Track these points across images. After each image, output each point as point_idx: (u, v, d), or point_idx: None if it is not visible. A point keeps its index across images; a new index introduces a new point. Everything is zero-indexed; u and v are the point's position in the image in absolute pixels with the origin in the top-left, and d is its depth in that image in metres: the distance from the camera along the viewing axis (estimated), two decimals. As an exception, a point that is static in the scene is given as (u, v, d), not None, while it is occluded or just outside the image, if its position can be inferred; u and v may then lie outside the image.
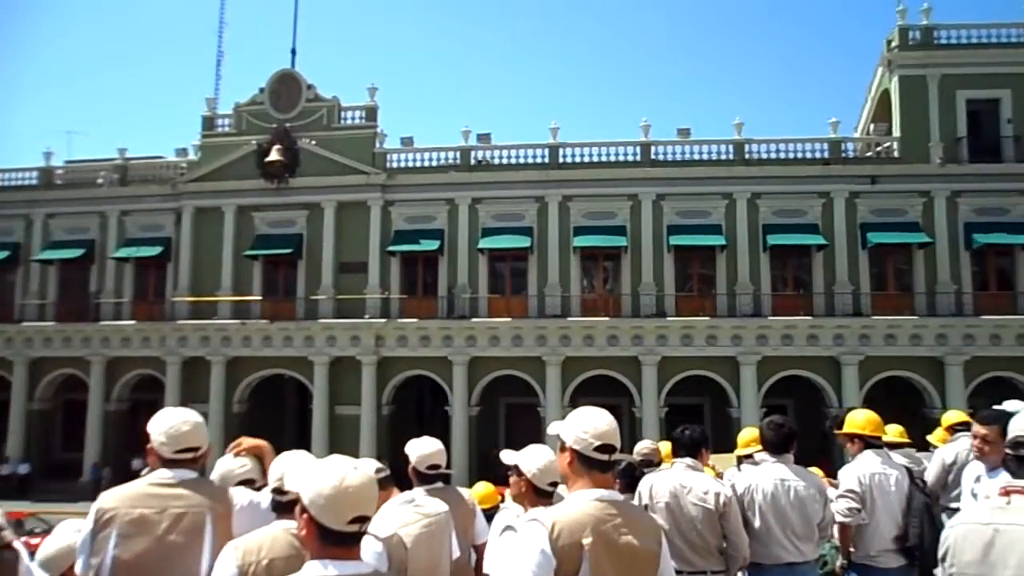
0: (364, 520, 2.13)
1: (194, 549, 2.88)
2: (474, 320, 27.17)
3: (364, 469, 2.17)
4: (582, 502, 2.52)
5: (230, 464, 3.56)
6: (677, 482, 4.49)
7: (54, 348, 29.48)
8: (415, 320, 27.47)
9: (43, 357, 29.62)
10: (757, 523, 4.55)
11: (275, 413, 30.80)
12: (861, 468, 4.90)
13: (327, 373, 27.77)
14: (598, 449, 2.58)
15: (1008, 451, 2.47)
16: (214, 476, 3.52)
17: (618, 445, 2.65)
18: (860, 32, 76.76)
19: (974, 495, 4.73)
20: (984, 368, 25.08)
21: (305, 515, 2.11)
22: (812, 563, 4.64)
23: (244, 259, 28.69)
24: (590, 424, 2.62)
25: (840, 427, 5.29)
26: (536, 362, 26.90)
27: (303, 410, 29.43)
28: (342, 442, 27.10)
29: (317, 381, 27.82)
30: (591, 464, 2.59)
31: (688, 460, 4.65)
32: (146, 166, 31.13)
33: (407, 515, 3.40)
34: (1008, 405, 6.78)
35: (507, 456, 3.46)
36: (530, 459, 3.36)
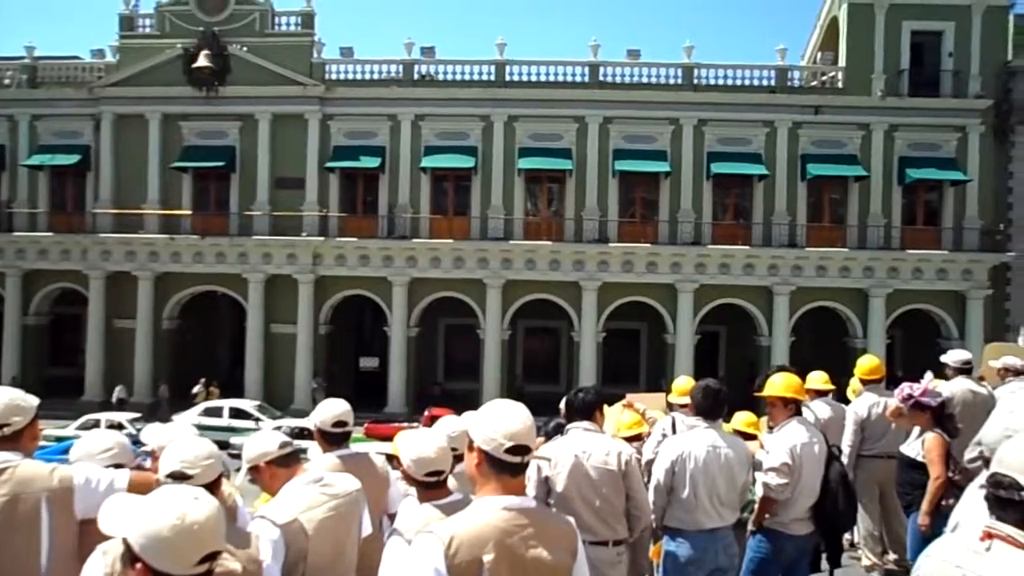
0: (214, 557, 1.82)
1: (29, 538, 2.65)
2: (415, 240, 26.73)
3: (205, 497, 1.88)
4: (487, 512, 2.27)
5: (92, 444, 3.28)
6: (576, 448, 4.35)
7: (-37, 259, 27.77)
8: (354, 239, 26.86)
9: (-49, 269, 27.91)
10: (686, 491, 4.49)
11: (208, 331, 30.07)
12: (792, 439, 4.82)
13: (262, 291, 27.07)
14: (510, 451, 2.29)
15: (988, 488, 2.16)
16: (73, 454, 3.25)
17: (533, 445, 2.39)
18: (806, -49, 75.71)
19: None
20: (905, 300, 26.25)
21: (139, 565, 1.77)
22: (730, 527, 4.65)
23: (172, 171, 27.23)
24: (502, 423, 2.33)
25: (760, 390, 5.24)
26: (477, 284, 26.79)
27: (238, 327, 28.74)
28: (278, 361, 26.81)
29: (252, 299, 27.11)
30: (501, 467, 2.30)
31: (584, 423, 4.51)
32: (59, 67, 28.91)
33: (312, 497, 3.12)
34: (951, 355, 7.03)
35: (398, 442, 3.19)
36: (404, 448, 3.10)
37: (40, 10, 75.77)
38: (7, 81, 28.27)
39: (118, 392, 26.07)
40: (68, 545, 2.67)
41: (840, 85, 27.03)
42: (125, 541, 1.84)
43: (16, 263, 27.56)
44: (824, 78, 27.55)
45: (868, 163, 26.33)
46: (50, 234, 27.51)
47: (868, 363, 7.18)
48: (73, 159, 27.41)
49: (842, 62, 27.13)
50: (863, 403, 6.91)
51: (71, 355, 30.17)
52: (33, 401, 2.87)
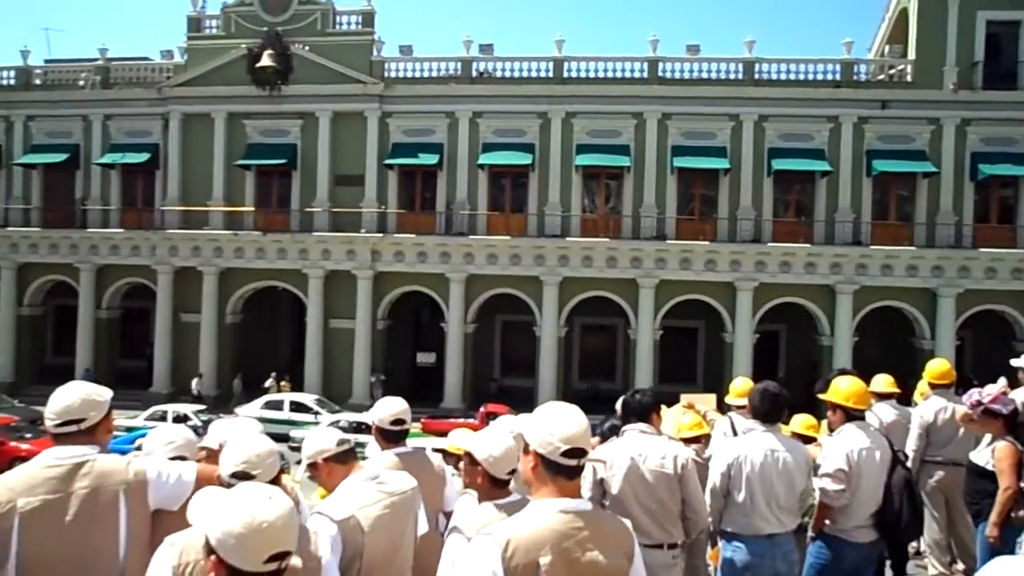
0: (283, 557, 1.90)
1: (109, 529, 2.72)
2: (472, 237, 26.84)
3: (279, 498, 1.94)
4: (544, 515, 2.28)
5: (159, 436, 3.40)
6: (632, 451, 4.32)
7: (41, 254, 28.99)
8: (412, 235, 27.12)
9: (30, 263, 29.17)
10: (742, 496, 4.42)
11: (270, 325, 30.79)
12: (849, 444, 4.69)
13: (322, 286, 27.56)
14: (566, 454, 2.31)
15: None
16: (145, 445, 3.38)
17: (589, 448, 2.40)
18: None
19: None
20: (977, 301, 25.25)
21: (213, 557, 1.87)
22: (791, 533, 4.55)
23: (236, 168, 27.95)
24: (558, 427, 2.34)
25: (825, 390, 5.07)
26: (534, 281, 26.79)
27: (298, 322, 29.36)
28: (337, 356, 27.28)
29: (312, 294, 27.63)
30: (558, 470, 2.32)
31: (640, 425, 4.48)
32: (130, 68, 29.88)
33: (368, 495, 3.15)
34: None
35: (458, 440, 3.14)
36: (485, 446, 3.09)
37: (114, 12, 78.56)
38: (82, 82, 29.34)
39: (196, 384, 26.92)
40: (143, 535, 2.76)
41: (909, 79, 26.13)
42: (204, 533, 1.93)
43: (90, 258, 28.64)
44: (892, 71, 26.69)
45: (938, 159, 25.41)
46: (121, 230, 28.51)
47: (938, 367, 6.94)
48: (143, 157, 28.34)
49: (912, 55, 26.23)
50: (929, 408, 6.70)
51: (139, 348, 31.32)
52: (107, 395, 2.96)
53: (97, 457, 2.79)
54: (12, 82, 29.94)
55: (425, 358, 29.68)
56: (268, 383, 25.96)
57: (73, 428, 2.81)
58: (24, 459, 16.18)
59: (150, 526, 2.80)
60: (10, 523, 2.60)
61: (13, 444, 18.17)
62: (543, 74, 27.30)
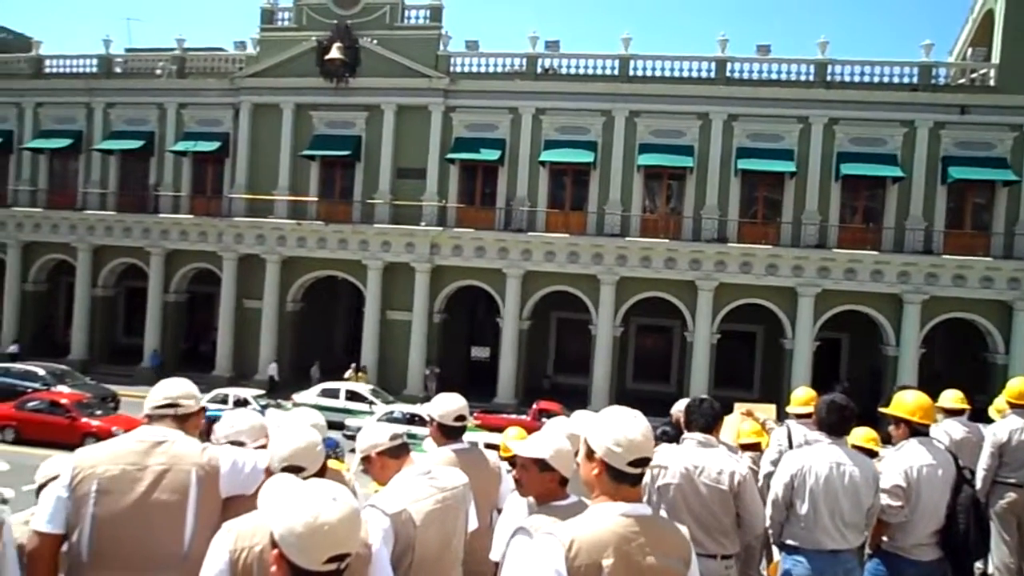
0: (343, 558, 1.92)
1: (177, 507, 2.81)
2: (531, 234, 26.82)
3: (344, 499, 1.96)
4: (606, 518, 2.29)
5: (230, 420, 3.51)
6: (688, 461, 4.22)
7: (115, 237, 30.02)
8: (471, 230, 27.25)
9: (105, 245, 30.23)
10: (804, 508, 4.30)
11: (328, 314, 31.33)
12: (909, 460, 4.54)
13: (380, 278, 27.91)
14: (631, 463, 2.31)
15: None
16: (218, 429, 3.49)
17: (652, 456, 2.39)
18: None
19: None
20: (1057, 315, 24.13)
21: (276, 551, 1.92)
22: (855, 550, 4.42)
23: (301, 159, 28.50)
24: (623, 435, 2.33)
25: (888, 405, 4.88)
26: (591, 280, 26.64)
27: (356, 312, 29.80)
28: (393, 347, 27.60)
29: (370, 285, 28.01)
30: (622, 478, 2.33)
31: (699, 436, 4.37)
32: (205, 58, 30.71)
33: (421, 489, 3.16)
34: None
35: (525, 449, 3.04)
36: (562, 444, 2.99)
37: (194, 1, 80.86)
38: (159, 71, 30.29)
39: (272, 369, 27.59)
40: (211, 520, 2.82)
41: (992, 83, 25.11)
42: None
43: (161, 243, 29.54)
44: (974, 75, 25.67)
45: (1020, 166, 24.36)
46: (190, 216, 29.34)
47: (1018, 386, 6.64)
48: (214, 146, 29.11)
49: (996, 58, 25.17)
50: (1004, 427, 6.41)
51: (203, 332, 32.24)
52: (203, 396, 3.10)
53: (177, 440, 2.94)
54: (94, 69, 31.07)
55: (479, 352, 29.82)
56: (348, 373, 26.47)
57: (169, 412, 3.02)
58: (95, 435, 16.93)
59: (220, 513, 2.87)
60: (89, 487, 2.75)
61: (84, 420, 18.95)
62: (608, 72, 27.10)
